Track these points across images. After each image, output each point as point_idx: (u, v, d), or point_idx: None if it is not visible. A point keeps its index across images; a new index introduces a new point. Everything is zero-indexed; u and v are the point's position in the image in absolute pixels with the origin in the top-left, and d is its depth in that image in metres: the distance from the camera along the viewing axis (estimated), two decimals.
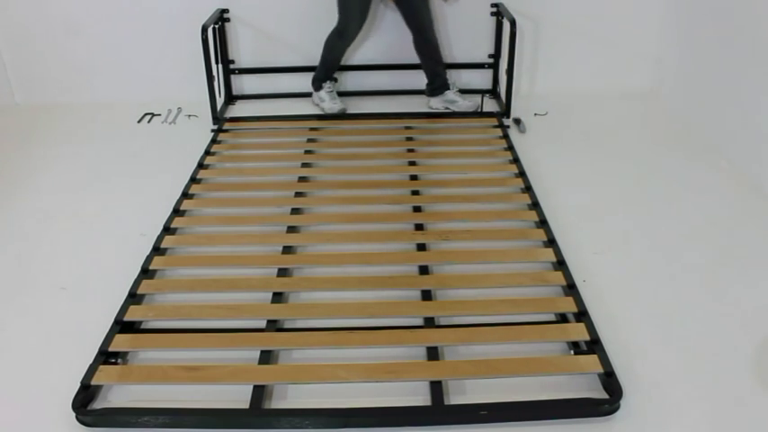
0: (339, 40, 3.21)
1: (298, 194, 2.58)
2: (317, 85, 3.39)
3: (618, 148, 3.01)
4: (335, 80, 3.42)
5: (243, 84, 3.62)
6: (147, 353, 1.83)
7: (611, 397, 1.62)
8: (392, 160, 2.87)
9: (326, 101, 3.36)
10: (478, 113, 3.34)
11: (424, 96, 3.50)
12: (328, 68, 3.34)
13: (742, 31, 2.78)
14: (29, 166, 2.91)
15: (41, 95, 3.55)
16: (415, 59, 3.33)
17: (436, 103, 3.43)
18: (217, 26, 3.36)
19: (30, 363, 1.79)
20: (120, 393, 1.70)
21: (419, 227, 2.36)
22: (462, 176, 2.71)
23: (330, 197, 2.60)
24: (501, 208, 2.48)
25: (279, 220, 2.42)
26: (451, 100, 3.38)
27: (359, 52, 3.53)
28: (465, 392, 1.68)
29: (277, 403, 1.66)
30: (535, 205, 2.46)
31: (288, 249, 2.23)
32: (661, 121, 3.30)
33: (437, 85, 3.38)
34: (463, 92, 3.57)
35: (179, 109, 3.47)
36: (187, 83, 3.43)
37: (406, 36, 3.35)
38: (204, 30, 3.07)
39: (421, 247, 2.24)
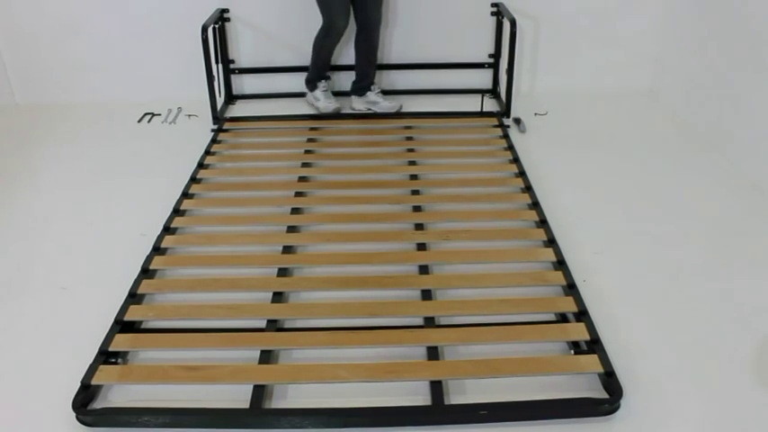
0: (326, 38, 3.18)
1: (298, 194, 2.58)
2: (312, 85, 3.38)
3: (618, 147, 3.01)
4: (329, 78, 3.42)
5: (243, 84, 3.63)
6: (147, 353, 1.83)
7: (611, 397, 1.62)
8: (392, 160, 2.87)
9: (321, 100, 3.36)
10: (479, 113, 3.33)
11: (419, 96, 3.50)
12: (319, 69, 3.34)
13: (742, 30, 2.78)
14: (29, 166, 2.91)
15: (41, 95, 3.55)
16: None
17: (358, 104, 3.41)
18: (217, 26, 3.36)
19: (30, 363, 1.79)
20: (120, 393, 1.70)
21: (419, 226, 2.36)
22: (462, 176, 2.71)
23: (330, 197, 2.60)
24: (501, 208, 2.48)
25: (279, 220, 2.42)
26: (373, 101, 3.37)
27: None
28: (465, 392, 1.68)
29: (277, 403, 1.66)
30: (535, 205, 2.46)
31: (288, 249, 2.23)
32: (661, 121, 3.30)
33: (363, 85, 3.37)
34: (464, 92, 3.58)
35: (179, 109, 3.48)
36: (187, 83, 3.43)
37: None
38: (204, 30, 3.07)
39: (421, 247, 2.24)
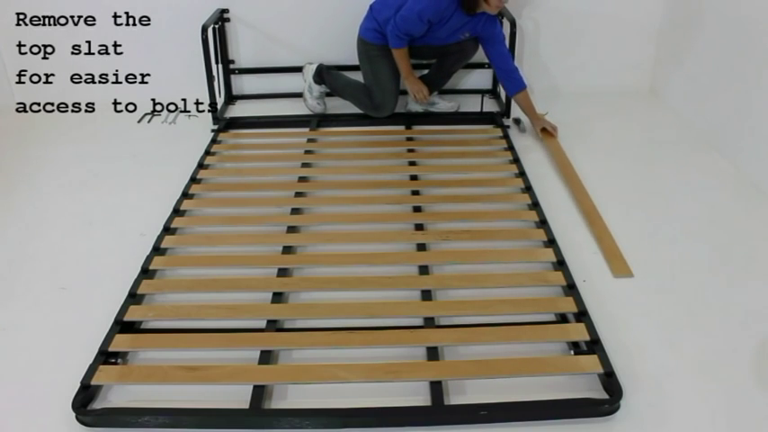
0: (375, 112, 3.16)
1: (298, 194, 2.58)
2: (319, 78, 3.31)
3: (618, 147, 3.01)
4: None
5: (243, 84, 3.63)
6: (147, 353, 1.83)
7: (611, 397, 1.62)
8: (392, 160, 2.87)
9: (314, 97, 3.33)
10: (479, 113, 3.33)
11: None
12: (333, 90, 3.31)
13: (741, 30, 2.78)
14: (28, 166, 2.91)
15: (41, 95, 3.54)
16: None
17: (415, 105, 3.39)
18: (217, 26, 3.36)
19: (30, 363, 1.79)
20: (120, 393, 1.70)
21: (419, 227, 2.36)
22: (462, 177, 2.71)
23: (330, 197, 2.60)
24: (501, 208, 2.48)
25: (279, 220, 2.42)
26: (432, 102, 3.36)
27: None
28: (465, 392, 1.68)
29: (277, 403, 1.66)
30: (535, 205, 2.46)
31: (288, 249, 2.23)
32: (661, 121, 3.30)
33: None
34: (464, 92, 3.58)
35: (179, 109, 3.47)
36: (187, 83, 3.43)
37: None
38: (204, 30, 3.07)
39: (421, 247, 2.24)
